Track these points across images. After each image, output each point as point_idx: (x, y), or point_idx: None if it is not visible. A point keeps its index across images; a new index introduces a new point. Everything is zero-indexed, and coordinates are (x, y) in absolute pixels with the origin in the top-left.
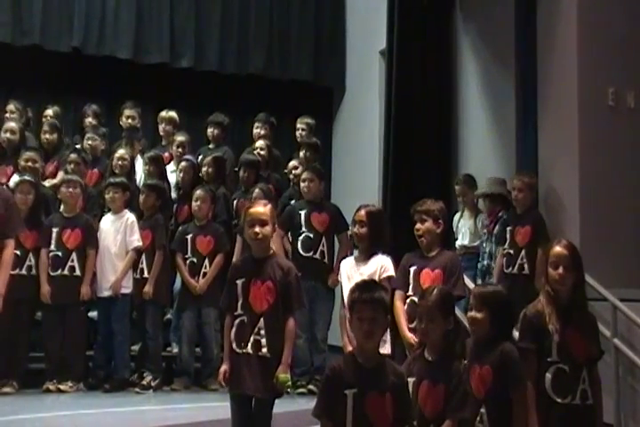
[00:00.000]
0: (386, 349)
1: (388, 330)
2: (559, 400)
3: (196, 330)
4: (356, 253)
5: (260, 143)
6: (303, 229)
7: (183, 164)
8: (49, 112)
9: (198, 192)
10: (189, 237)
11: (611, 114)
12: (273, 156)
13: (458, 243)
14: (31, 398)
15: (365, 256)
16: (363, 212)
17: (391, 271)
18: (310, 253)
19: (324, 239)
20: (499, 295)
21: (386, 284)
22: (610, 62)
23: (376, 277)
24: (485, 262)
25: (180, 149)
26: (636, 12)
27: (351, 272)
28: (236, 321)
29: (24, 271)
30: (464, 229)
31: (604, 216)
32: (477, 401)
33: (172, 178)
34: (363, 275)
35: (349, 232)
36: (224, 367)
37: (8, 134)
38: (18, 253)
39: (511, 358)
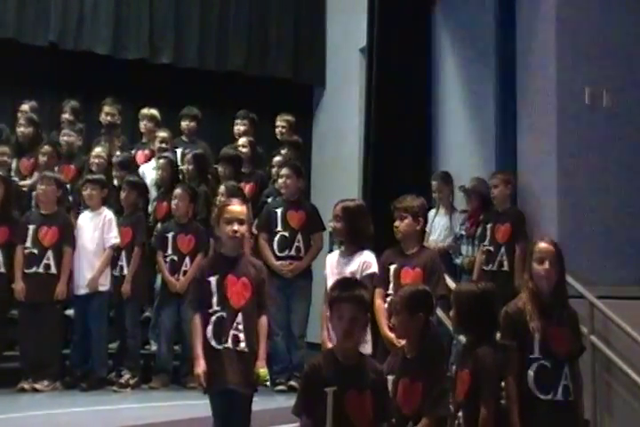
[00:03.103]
0: (366, 349)
1: (369, 330)
2: (542, 397)
3: (175, 328)
4: (341, 248)
5: (242, 140)
6: (279, 228)
7: (161, 161)
8: (25, 107)
9: (177, 191)
10: (170, 235)
11: (587, 113)
12: (256, 152)
13: (431, 238)
14: (5, 397)
15: (350, 252)
16: (339, 206)
17: (373, 269)
18: (285, 252)
19: (299, 236)
20: (465, 294)
21: (367, 281)
22: (587, 62)
23: (358, 274)
24: (461, 261)
25: (163, 145)
26: (613, 14)
27: (336, 267)
28: (213, 318)
29: None
30: (438, 227)
31: (581, 214)
32: (456, 404)
33: (154, 175)
34: (346, 272)
35: (328, 228)
36: (202, 368)
37: None
38: None
39: (483, 362)
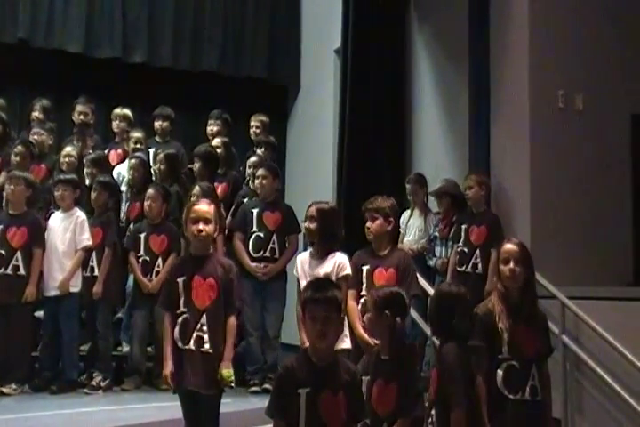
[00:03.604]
0: (346, 343)
1: (347, 325)
2: (511, 396)
3: (148, 329)
4: (311, 249)
5: (216, 141)
6: (254, 228)
7: (132, 161)
8: None
9: (150, 191)
10: (143, 235)
11: (560, 115)
12: (230, 153)
13: (406, 239)
14: None
15: (321, 253)
16: (313, 208)
17: (348, 270)
18: (260, 253)
19: (274, 237)
20: (435, 295)
21: (342, 282)
22: (560, 65)
23: (333, 276)
24: (435, 262)
25: (137, 146)
26: (586, 17)
27: (308, 269)
28: (180, 319)
29: None
30: (413, 228)
31: (553, 216)
32: (429, 402)
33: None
34: (319, 273)
35: (302, 229)
36: (169, 369)
37: None
38: None
39: (445, 360)
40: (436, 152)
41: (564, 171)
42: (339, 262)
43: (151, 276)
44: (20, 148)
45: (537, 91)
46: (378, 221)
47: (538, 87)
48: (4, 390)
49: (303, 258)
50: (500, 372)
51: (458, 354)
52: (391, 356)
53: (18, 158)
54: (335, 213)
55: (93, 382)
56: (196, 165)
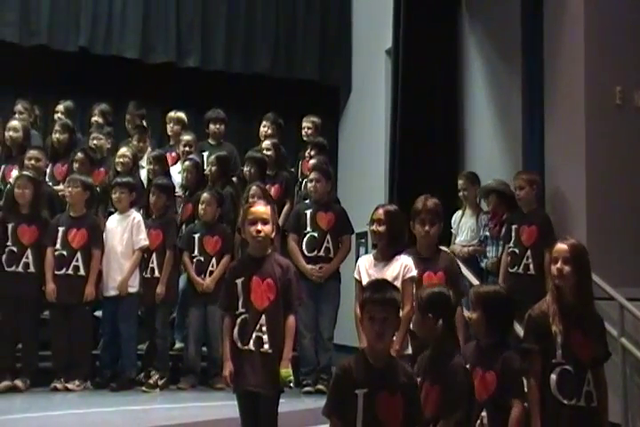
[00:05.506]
0: (408, 350)
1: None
2: (565, 402)
3: (203, 328)
4: (374, 251)
5: (266, 143)
6: (308, 228)
7: (187, 163)
8: (60, 107)
9: (204, 195)
10: (197, 236)
11: (618, 113)
12: (280, 155)
13: (458, 239)
14: (39, 396)
15: (386, 255)
16: (381, 211)
17: (414, 272)
18: (314, 253)
19: (328, 237)
20: (493, 295)
21: (409, 284)
22: (617, 61)
23: (400, 278)
24: (486, 263)
25: (187, 148)
26: None
27: (372, 271)
28: (239, 320)
29: (20, 269)
30: (465, 228)
31: (610, 216)
32: (477, 404)
33: (179, 178)
34: (384, 275)
35: (367, 230)
36: (228, 369)
37: (11, 132)
38: (15, 249)
39: (513, 367)
40: (488, 152)
41: (621, 170)
42: (405, 264)
43: (205, 276)
44: (79, 155)
45: (593, 87)
46: (436, 226)
47: (594, 84)
48: (69, 386)
49: (366, 261)
50: (553, 376)
51: (519, 359)
52: (434, 356)
53: (77, 165)
54: (401, 215)
55: (151, 381)
56: (250, 170)
